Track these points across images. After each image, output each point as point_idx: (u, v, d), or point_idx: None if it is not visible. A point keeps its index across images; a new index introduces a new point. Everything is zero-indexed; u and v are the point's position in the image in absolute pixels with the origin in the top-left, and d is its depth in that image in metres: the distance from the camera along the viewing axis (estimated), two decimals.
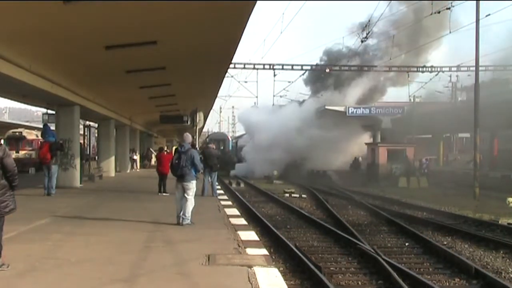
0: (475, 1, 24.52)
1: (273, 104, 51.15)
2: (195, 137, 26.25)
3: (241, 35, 12.20)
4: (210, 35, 12.07)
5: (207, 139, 49.66)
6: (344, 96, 43.34)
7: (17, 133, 33.59)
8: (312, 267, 9.28)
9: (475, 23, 24.51)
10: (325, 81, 45.44)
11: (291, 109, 44.86)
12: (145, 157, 40.39)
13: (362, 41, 34.74)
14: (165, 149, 23.84)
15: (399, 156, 34.33)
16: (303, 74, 44.35)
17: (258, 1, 9.81)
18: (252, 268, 6.83)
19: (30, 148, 32.41)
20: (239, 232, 9.87)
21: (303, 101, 47.72)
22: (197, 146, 24.88)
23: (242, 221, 11.91)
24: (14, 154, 27.26)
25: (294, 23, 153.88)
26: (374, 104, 42.43)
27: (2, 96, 21.99)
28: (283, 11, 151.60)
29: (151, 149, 41.34)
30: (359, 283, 9.14)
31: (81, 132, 25.62)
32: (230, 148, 52.94)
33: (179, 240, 8.89)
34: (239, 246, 8.43)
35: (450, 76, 47.99)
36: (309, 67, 44.02)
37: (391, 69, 42.48)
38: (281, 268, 9.45)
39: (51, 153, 16.11)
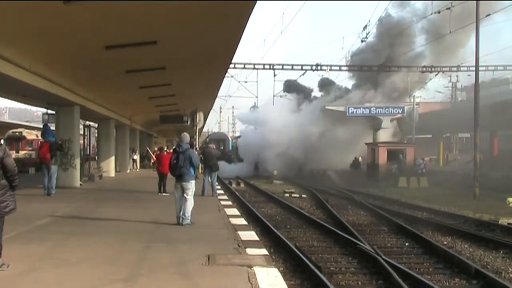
0: (475, 1, 24.56)
1: (273, 104, 51.00)
2: (195, 137, 26.27)
3: (241, 35, 12.20)
4: (210, 35, 12.07)
5: (207, 139, 49.55)
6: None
7: (17, 133, 33.56)
8: (312, 267, 9.28)
9: (475, 23, 24.55)
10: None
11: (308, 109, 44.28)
12: (145, 157, 40.36)
13: (362, 41, 34.73)
14: (165, 149, 23.83)
15: (398, 156, 34.36)
16: (303, 74, 44.33)
17: (258, 1, 9.82)
18: (252, 268, 6.83)
19: (30, 148, 32.37)
20: (239, 232, 9.87)
21: (345, 88, 46.61)
22: (196, 146, 24.89)
23: (242, 221, 11.90)
24: (14, 154, 27.25)
25: (294, 23, 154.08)
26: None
27: (2, 96, 21.98)
28: (283, 11, 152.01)
29: (148, 148, 41.06)
30: (359, 283, 9.15)
31: (81, 132, 25.60)
32: (230, 148, 52.91)
33: (179, 240, 8.89)
34: (239, 246, 8.43)
35: (450, 76, 48.10)
36: (309, 67, 43.99)
37: (390, 68, 42.45)
38: (281, 268, 9.45)
39: (51, 153, 16.11)
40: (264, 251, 8.27)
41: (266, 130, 42.21)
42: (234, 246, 8.38)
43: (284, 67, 43.00)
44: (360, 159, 38.31)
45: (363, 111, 40.31)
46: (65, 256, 7.51)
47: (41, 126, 21.47)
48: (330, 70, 43.97)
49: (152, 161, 36.76)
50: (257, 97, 55.07)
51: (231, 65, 36.05)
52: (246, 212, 17.47)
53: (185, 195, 10.42)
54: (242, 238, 9.16)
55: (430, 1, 30.91)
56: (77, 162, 19.81)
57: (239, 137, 56.97)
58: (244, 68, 43.01)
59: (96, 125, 30.73)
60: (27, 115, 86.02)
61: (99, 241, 8.73)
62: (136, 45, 12.24)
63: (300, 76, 45.13)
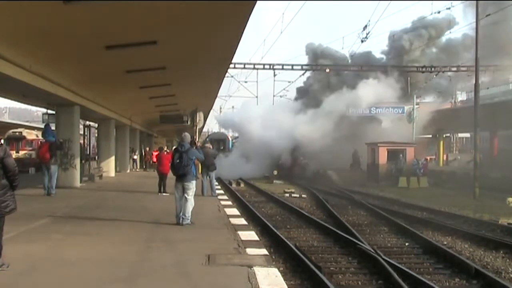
0: (475, 1, 24.58)
1: (273, 104, 50.74)
2: (195, 137, 26.25)
3: (241, 35, 12.20)
4: (210, 35, 12.07)
5: (207, 139, 49.36)
6: None
7: (17, 133, 33.58)
8: (312, 267, 9.29)
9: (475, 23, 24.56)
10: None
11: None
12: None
13: (362, 41, 34.71)
14: (165, 149, 23.82)
15: (398, 156, 34.33)
16: (303, 74, 44.25)
17: (258, 1, 9.82)
18: (252, 268, 6.84)
19: (30, 148, 32.39)
20: (239, 232, 9.87)
21: None
22: (197, 143, 24.78)
23: (242, 221, 11.90)
24: (14, 154, 27.24)
25: (294, 23, 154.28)
26: None
27: (2, 96, 21.97)
28: (283, 11, 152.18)
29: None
30: (359, 283, 9.15)
31: (81, 132, 25.58)
32: (230, 147, 52.71)
33: (179, 240, 8.89)
34: (239, 246, 8.43)
35: (450, 76, 48.00)
36: (309, 67, 43.97)
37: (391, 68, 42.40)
38: (281, 268, 9.46)
39: (51, 152, 16.12)
40: (264, 251, 8.27)
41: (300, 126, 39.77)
42: (234, 246, 8.38)
43: (284, 67, 42.94)
44: (359, 153, 37.96)
45: (363, 111, 40.27)
46: (65, 256, 7.52)
47: (41, 126, 21.49)
48: (331, 70, 43.95)
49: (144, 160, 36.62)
50: (257, 97, 54.86)
51: (231, 65, 36.01)
52: (246, 212, 17.47)
53: (185, 195, 10.43)
54: (242, 238, 9.16)
55: (430, 1, 30.91)
56: (77, 162, 19.81)
57: (238, 137, 56.22)
58: (244, 68, 42.94)
59: (96, 125, 30.74)
60: (27, 115, 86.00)
61: (99, 241, 8.74)
62: (136, 45, 12.24)
63: (300, 76, 45.07)
